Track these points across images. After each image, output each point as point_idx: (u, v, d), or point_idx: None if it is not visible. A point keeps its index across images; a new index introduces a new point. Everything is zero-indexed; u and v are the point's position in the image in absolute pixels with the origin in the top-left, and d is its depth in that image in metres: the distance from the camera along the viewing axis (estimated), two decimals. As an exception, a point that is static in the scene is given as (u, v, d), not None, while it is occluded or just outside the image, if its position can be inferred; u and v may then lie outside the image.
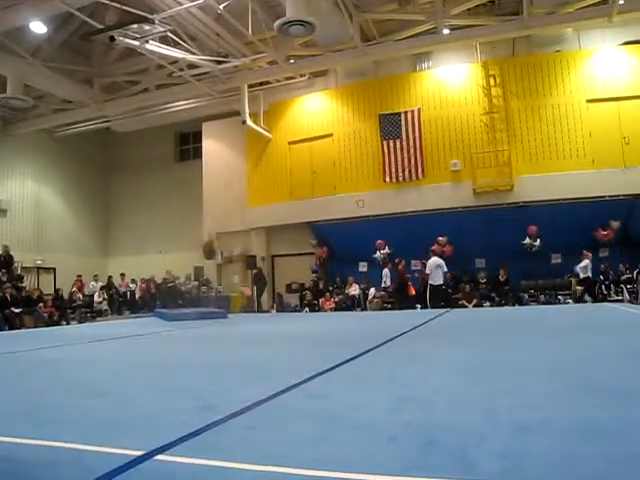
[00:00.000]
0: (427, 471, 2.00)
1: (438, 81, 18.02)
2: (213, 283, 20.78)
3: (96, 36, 14.34)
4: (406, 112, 18.01)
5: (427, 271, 15.15)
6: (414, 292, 16.44)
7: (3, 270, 17.24)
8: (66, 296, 18.45)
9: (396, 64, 18.51)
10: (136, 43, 14.38)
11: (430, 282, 14.99)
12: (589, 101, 16.41)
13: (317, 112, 19.56)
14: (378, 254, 17.44)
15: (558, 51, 17.03)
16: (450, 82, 17.85)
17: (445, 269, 15.00)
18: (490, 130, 17.15)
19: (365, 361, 5.16)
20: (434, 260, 15.07)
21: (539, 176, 16.24)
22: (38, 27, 15.62)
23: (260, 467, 2.11)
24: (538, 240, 15.92)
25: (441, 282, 15.00)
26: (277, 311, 18.66)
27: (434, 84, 18.03)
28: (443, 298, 15.24)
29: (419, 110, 17.89)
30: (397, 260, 16.66)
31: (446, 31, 16.16)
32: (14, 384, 4.72)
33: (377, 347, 6.09)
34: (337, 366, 4.68)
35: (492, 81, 17.24)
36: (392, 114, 18.18)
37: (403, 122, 17.99)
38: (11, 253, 18.23)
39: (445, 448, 2.26)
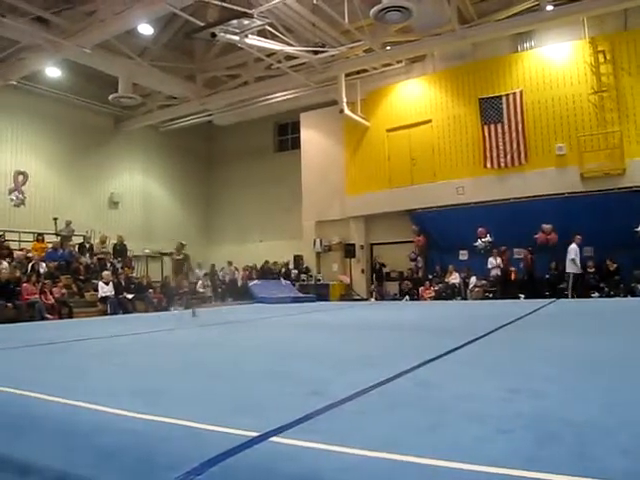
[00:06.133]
0: (546, 465, 1.93)
1: (541, 61, 17.16)
2: (313, 271, 21.09)
3: (198, 33, 14.89)
4: (507, 95, 17.37)
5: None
6: (514, 278, 15.92)
7: (118, 258, 18.44)
8: (173, 283, 19.35)
9: (496, 45, 17.79)
10: (236, 38, 14.74)
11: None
12: None
13: (415, 98, 19.26)
14: (479, 242, 17.01)
15: (681, 18, 15.64)
16: (554, 61, 16.94)
17: (571, 256, 14.71)
18: (599, 110, 16.15)
19: (471, 350, 5.08)
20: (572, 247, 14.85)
21: (655, 158, 15.16)
22: (145, 29, 16.52)
23: (372, 453, 2.13)
24: (654, 227, 14.90)
25: (571, 270, 14.71)
26: (376, 299, 18.69)
27: (537, 64, 17.21)
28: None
29: (521, 92, 17.18)
30: (502, 249, 16.18)
31: (549, 7, 15.30)
32: (134, 364, 5.03)
33: (482, 336, 5.97)
34: (443, 355, 4.63)
35: (601, 58, 16.17)
36: (493, 97, 17.59)
37: (504, 105, 17.37)
38: (125, 243, 19.42)
39: (563, 442, 2.18)
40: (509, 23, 16.06)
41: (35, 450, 2.41)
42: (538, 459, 2.00)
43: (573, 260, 14.71)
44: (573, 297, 14.56)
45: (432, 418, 2.63)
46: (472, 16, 16.54)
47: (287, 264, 21.60)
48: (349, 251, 20.08)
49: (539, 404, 2.84)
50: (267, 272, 21.21)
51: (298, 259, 21.55)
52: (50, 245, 17.56)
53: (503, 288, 16.05)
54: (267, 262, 21.63)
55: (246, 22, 14.28)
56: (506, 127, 17.25)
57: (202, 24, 14.68)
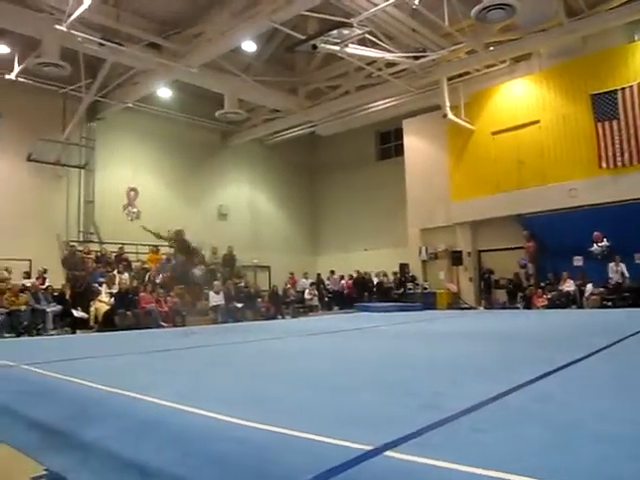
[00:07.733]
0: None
1: (661, 49, 15.99)
2: (419, 280, 20.78)
3: (300, 46, 15.20)
4: (623, 89, 16.28)
5: None
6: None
7: (227, 268, 19.11)
8: (280, 292, 19.81)
9: (608, 37, 16.63)
10: (336, 48, 14.91)
11: None
12: None
13: (521, 99, 18.52)
14: (595, 247, 16.03)
15: None
16: (677, 48, 15.73)
17: None
18: None
19: (592, 364, 4.76)
20: None
21: None
22: (249, 46, 17.09)
23: (492, 472, 2.01)
24: None
25: None
26: (485, 308, 18.12)
27: (657, 53, 16.05)
28: None
29: (639, 85, 16.10)
30: None
31: (670, -10, 14.23)
32: (243, 372, 5.13)
33: (604, 348, 5.59)
34: (562, 367, 4.36)
35: None
36: (606, 93, 16.55)
37: (620, 100, 16.30)
38: (234, 253, 20.09)
39: None
40: (623, 11, 15.03)
41: (155, 454, 2.48)
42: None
43: None
44: None
45: (555, 437, 2.45)
46: (581, 7, 15.66)
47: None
48: (456, 258, 19.65)
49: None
50: (376, 287, 21.28)
51: (404, 267, 21.31)
52: (164, 256, 18.48)
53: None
54: (380, 278, 21.68)
55: (346, 32, 14.43)
56: (622, 123, 16.19)
57: (303, 37, 14.97)
